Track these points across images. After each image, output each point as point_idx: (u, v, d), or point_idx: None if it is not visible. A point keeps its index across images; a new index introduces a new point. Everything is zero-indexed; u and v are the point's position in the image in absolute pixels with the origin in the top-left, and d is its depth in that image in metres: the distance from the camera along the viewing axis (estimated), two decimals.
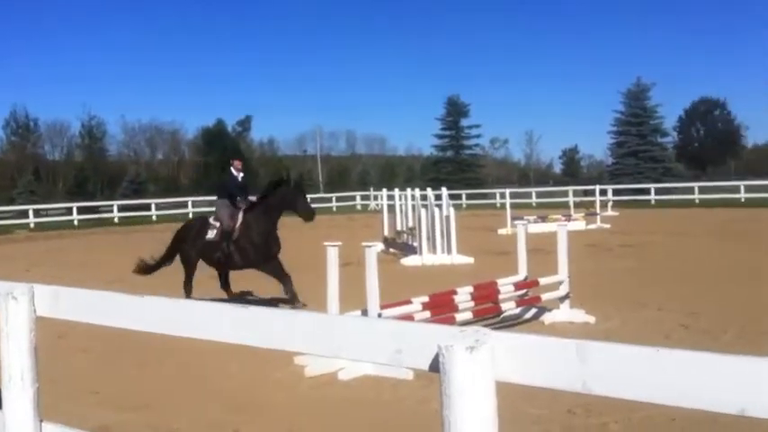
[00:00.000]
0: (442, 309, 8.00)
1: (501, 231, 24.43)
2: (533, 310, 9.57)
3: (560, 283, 9.29)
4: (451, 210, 17.15)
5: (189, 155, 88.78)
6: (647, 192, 45.76)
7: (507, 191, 32.96)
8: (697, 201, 41.78)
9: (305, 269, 11.47)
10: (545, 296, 9.25)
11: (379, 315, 6.94)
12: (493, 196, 49.16)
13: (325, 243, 7.43)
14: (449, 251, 16.75)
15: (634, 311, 9.56)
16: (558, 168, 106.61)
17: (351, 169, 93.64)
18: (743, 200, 40.20)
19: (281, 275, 10.32)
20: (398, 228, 20.04)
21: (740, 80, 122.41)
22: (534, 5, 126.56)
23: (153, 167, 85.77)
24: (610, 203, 34.77)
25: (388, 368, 6.34)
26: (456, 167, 69.67)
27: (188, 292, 10.85)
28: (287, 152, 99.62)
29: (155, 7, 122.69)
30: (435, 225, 16.84)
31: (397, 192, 20.80)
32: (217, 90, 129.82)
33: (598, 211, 28.89)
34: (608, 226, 26.05)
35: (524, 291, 9.27)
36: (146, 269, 11.50)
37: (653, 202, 43.78)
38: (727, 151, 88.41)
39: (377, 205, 41.44)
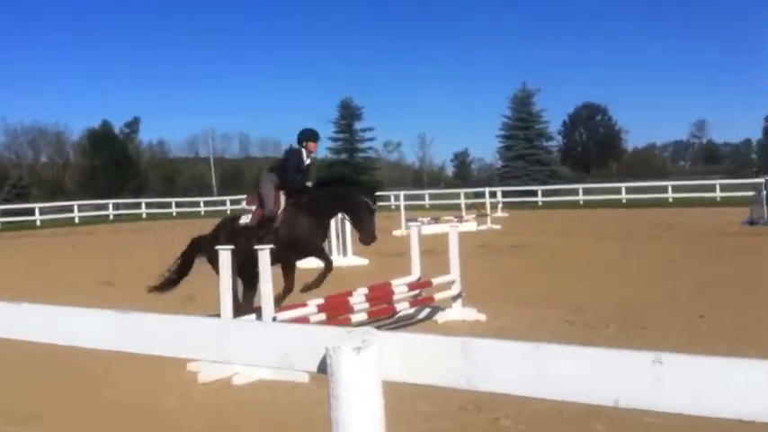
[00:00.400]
0: (337, 311, 8.01)
1: (396, 233, 24.65)
2: (427, 310, 9.73)
3: (452, 282, 9.48)
4: None
5: (74, 157, 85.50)
6: (534, 194, 47.34)
7: (402, 193, 33.30)
8: (581, 202, 43.51)
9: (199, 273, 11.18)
10: (438, 296, 9.41)
11: (274, 319, 6.88)
12: (387, 198, 49.59)
13: (217, 247, 7.32)
14: (344, 253, 16.79)
15: (523, 309, 9.85)
16: (450, 171, 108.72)
17: (245, 172, 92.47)
18: (624, 201, 42.12)
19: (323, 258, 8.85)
20: None
21: (620, 86, 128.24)
22: (426, 10, 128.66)
23: (36, 170, 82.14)
24: (499, 205, 35.73)
25: (284, 371, 6.30)
26: (351, 170, 70.01)
27: (247, 300, 8.92)
28: (178, 154, 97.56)
29: (34, 2, 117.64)
30: (331, 227, 16.83)
31: None
32: (103, 90, 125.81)
33: (488, 212, 29.60)
34: (498, 227, 26.75)
35: (418, 291, 9.41)
36: (164, 285, 9.45)
37: (540, 203, 45.29)
38: (609, 154, 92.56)
39: None
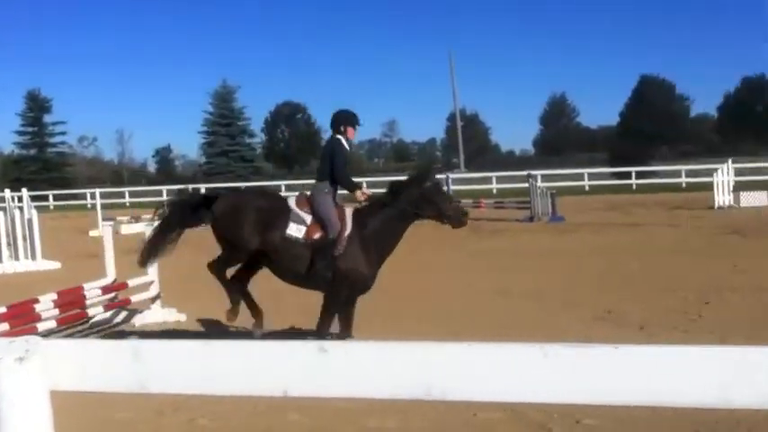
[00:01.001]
0: (22, 319, 7.48)
1: (93, 233, 23.29)
2: (124, 313, 9.41)
3: (151, 283, 9.27)
4: (34, 212, 16.08)
5: None
6: (237, 190, 47.53)
7: (98, 191, 31.53)
8: None
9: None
10: (136, 298, 9.16)
11: None
12: (83, 197, 46.85)
13: None
14: (33, 257, 15.72)
15: (225, 306, 9.84)
16: (152, 168, 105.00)
17: None
18: None
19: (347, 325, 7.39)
20: None
21: (318, 86, 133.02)
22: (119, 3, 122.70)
23: None
24: None
25: None
26: (41, 166, 65.17)
27: (232, 286, 7.71)
28: None
29: None
30: (16, 229, 15.66)
31: None
32: None
33: None
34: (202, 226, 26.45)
35: (113, 294, 9.07)
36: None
37: None
38: (310, 152, 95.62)
39: None
